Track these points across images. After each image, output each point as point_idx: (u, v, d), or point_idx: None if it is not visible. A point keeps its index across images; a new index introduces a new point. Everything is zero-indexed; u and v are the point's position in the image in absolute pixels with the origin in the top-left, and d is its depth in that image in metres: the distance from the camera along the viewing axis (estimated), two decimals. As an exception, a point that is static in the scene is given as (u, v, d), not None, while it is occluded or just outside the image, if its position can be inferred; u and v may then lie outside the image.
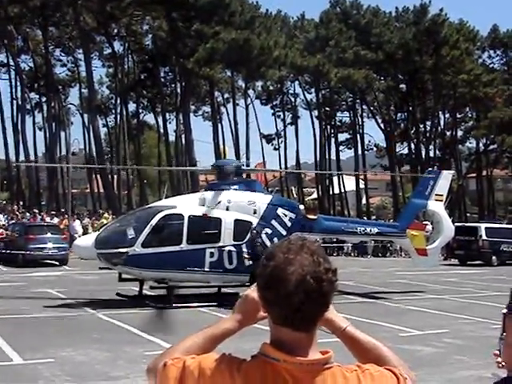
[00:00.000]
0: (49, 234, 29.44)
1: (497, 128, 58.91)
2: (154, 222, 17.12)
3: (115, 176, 59.07)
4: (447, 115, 66.10)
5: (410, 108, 63.71)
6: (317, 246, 1.85)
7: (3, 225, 33.78)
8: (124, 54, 58.71)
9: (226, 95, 62.96)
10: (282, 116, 65.09)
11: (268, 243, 17.45)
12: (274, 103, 65.24)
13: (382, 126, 64.23)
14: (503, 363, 2.80)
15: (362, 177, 63.03)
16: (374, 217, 59.79)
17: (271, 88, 63.57)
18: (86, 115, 60.17)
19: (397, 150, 65.51)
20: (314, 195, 69.81)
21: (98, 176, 56.55)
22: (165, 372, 1.87)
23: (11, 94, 57.28)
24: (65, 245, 29.07)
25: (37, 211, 39.46)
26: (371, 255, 41.73)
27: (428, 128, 65.79)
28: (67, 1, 49.74)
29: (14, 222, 34.73)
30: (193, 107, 62.29)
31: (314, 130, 63.02)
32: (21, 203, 46.35)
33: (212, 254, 17.47)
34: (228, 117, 61.21)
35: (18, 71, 55.31)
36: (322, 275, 1.77)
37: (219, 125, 60.14)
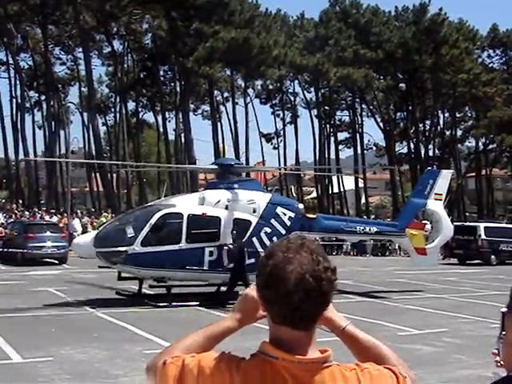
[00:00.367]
0: (48, 233, 29.42)
1: (496, 127, 58.91)
2: (153, 220, 17.13)
3: (114, 175, 59.05)
4: (446, 114, 66.12)
5: (410, 107, 63.70)
6: (316, 244, 1.85)
7: (2, 223, 33.77)
8: (123, 53, 58.68)
9: (226, 94, 63.00)
10: (281, 115, 65.10)
11: (267, 242, 17.48)
12: (274, 102, 65.22)
13: (381, 125, 64.26)
14: (501, 362, 2.81)
15: (361, 176, 63.05)
16: (373, 216, 59.78)
17: (271, 87, 63.54)
18: (85, 114, 60.21)
19: (396, 149, 65.56)
20: (314, 194, 69.87)
21: (98, 174, 56.55)
22: (164, 370, 1.87)
23: (10, 92, 57.29)
24: (64, 243, 29.05)
25: (36, 210, 39.44)
26: (370, 254, 41.77)
27: (427, 127, 65.84)
28: (67, -1, 49.78)
29: (13, 220, 34.71)
30: (192, 106, 62.28)
31: (313, 129, 63.09)
32: (20, 202, 46.33)
33: (211, 253, 17.49)
34: (227, 116, 61.33)
35: (18, 70, 55.25)
36: (321, 274, 1.77)
37: (219, 124, 60.23)
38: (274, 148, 65.73)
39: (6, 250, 28.96)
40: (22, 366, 9.95)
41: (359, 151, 63.52)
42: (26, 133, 54.64)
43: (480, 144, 67.15)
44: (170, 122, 61.67)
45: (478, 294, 20.31)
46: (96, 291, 18.77)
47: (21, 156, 53.41)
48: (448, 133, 66.32)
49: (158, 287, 17.58)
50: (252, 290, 1.96)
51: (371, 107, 65.37)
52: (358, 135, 64.77)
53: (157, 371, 1.90)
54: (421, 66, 57.96)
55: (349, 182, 63.68)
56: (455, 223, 30.94)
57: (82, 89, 60.29)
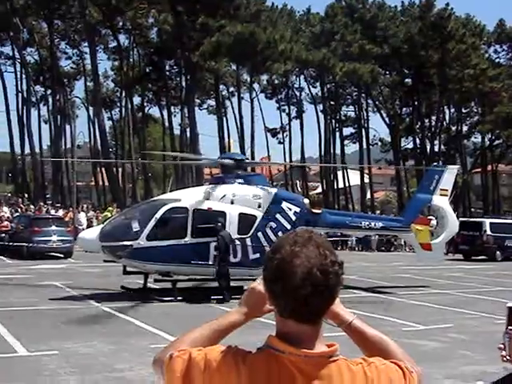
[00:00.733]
0: (53, 227, 29.46)
1: (502, 123, 58.73)
2: (158, 215, 17.14)
3: (120, 169, 59.11)
4: (452, 110, 65.97)
5: (416, 102, 63.57)
6: (323, 238, 1.85)
7: (8, 217, 33.85)
8: (129, 47, 58.66)
9: (231, 89, 62.98)
10: (286, 110, 65.08)
11: (273, 237, 17.48)
12: (279, 97, 65.21)
13: (386, 120, 64.15)
14: (508, 357, 2.81)
15: (366, 171, 62.98)
16: (378, 211, 59.74)
17: (276, 82, 63.50)
18: (91, 108, 60.30)
19: (402, 145, 65.43)
20: (319, 189, 69.83)
21: (103, 169, 56.62)
22: (171, 364, 1.88)
23: (16, 86, 57.41)
24: (69, 237, 29.11)
25: (42, 204, 39.53)
26: (375, 250, 41.74)
27: (433, 123, 65.72)
28: (73, -6, 49.83)
29: (18, 214, 34.79)
30: (198, 101, 62.26)
31: (318, 124, 63.05)
32: (26, 196, 46.44)
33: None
34: (233, 110, 61.28)
35: (24, 64, 55.34)
36: (328, 268, 1.77)
37: (224, 118, 60.20)
38: (280, 143, 65.80)
39: (11, 243, 29.04)
40: (27, 360, 9.98)
41: (365, 146, 63.43)
42: (32, 127, 54.88)
43: (486, 139, 67.00)
44: (175, 116, 61.80)
45: (483, 290, 20.28)
46: (101, 285, 18.80)
47: (26, 150, 53.60)
48: (454, 128, 66.15)
49: (163, 281, 17.59)
50: (259, 284, 1.96)
51: (377, 102, 65.27)
52: (363, 130, 64.69)
53: (163, 365, 1.91)
54: (427, 61, 57.80)
55: (354, 178, 63.65)
56: (460, 219, 30.91)
57: (88, 83, 60.39)
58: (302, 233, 1.84)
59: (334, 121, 65.58)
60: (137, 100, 62.48)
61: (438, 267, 26.65)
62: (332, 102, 64.28)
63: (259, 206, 18.25)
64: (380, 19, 58.90)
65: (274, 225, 18.13)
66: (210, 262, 17.25)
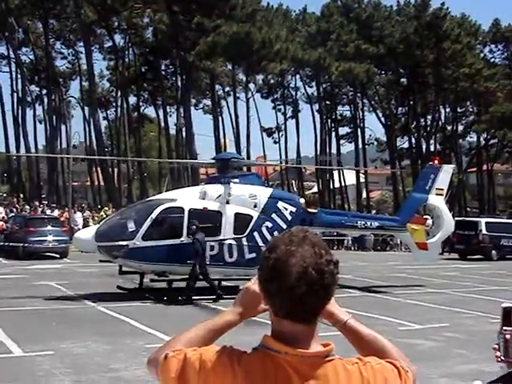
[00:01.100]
0: (49, 227, 29.42)
1: (498, 122, 58.80)
2: (154, 215, 17.12)
3: (115, 169, 59.02)
4: (448, 109, 66.07)
5: (411, 102, 63.65)
6: (318, 238, 1.84)
7: (3, 217, 33.77)
8: (125, 47, 58.65)
9: (227, 88, 62.90)
10: (282, 109, 65.11)
11: (268, 237, 17.47)
12: (275, 97, 65.21)
13: (382, 120, 64.21)
14: (502, 357, 2.81)
15: (362, 171, 63.04)
16: (374, 211, 59.78)
17: (272, 81, 63.50)
18: (86, 108, 60.22)
19: (397, 144, 65.50)
20: (315, 189, 69.86)
21: (99, 169, 56.55)
22: (166, 364, 1.87)
23: (12, 86, 57.31)
24: (65, 237, 29.08)
25: (37, 204, 39.45)
26: (371, 249, 41.78)
27: (429, 122, 65.80)
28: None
29: (14, 214, 34.71)
30: (193, 100, 62.25)
31: (314, 123, 63.09)
32: (21, 196, 46.34)
33: (212, 248, 17.48)
34: (229, 110, 61.24)
35: (19, 64, 55.25)
36: (323, 267, 1.76)
37: (220, 118, 60.20)
38: (275, 142, 65.84)
39: (7, 243, 28.99)
40: (22, 360, 9.96)
41: (360, 146, 63.50)
42: (28, 127, 54.79)
43: (481, 139, 67.10)
44: (171, 116, 61.79)
45: (479, 289, 20.31)
46: (97, 285, 18.77)
47: (22, 151, 53.47)
48: (449, 128, 66.24)
49: (159, 281, 17.58)
50: (254, 284, 1.96)
51: (372, 102, 65.32)
52: (359, 130, 64.75)
53: (158, 365, 1.90)
54: (422, 60, 57.88)
55: (350, 177, 63.72)
56: (456, 218, 30.93)
57: (83, 83, 60.35)
58: (297, 232, 1.84)
59: (329, 120, 65.63)
60: (132, 100, 62.55)
61: (434, 266, 26.69)
62: (328, 102, 64.33)
63: (255, 206, 18.25)
64: (376, 19, 58.93)
65: (269, 224, 18.13)
66: (206, 262, 17.22)
